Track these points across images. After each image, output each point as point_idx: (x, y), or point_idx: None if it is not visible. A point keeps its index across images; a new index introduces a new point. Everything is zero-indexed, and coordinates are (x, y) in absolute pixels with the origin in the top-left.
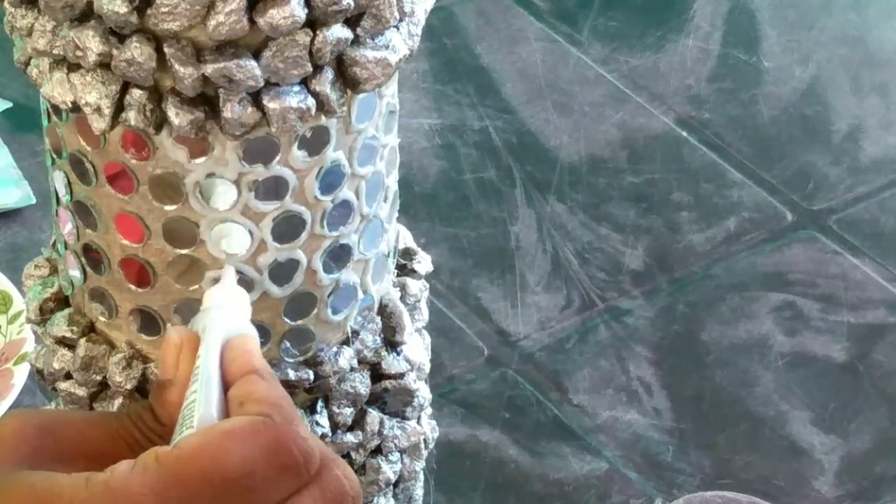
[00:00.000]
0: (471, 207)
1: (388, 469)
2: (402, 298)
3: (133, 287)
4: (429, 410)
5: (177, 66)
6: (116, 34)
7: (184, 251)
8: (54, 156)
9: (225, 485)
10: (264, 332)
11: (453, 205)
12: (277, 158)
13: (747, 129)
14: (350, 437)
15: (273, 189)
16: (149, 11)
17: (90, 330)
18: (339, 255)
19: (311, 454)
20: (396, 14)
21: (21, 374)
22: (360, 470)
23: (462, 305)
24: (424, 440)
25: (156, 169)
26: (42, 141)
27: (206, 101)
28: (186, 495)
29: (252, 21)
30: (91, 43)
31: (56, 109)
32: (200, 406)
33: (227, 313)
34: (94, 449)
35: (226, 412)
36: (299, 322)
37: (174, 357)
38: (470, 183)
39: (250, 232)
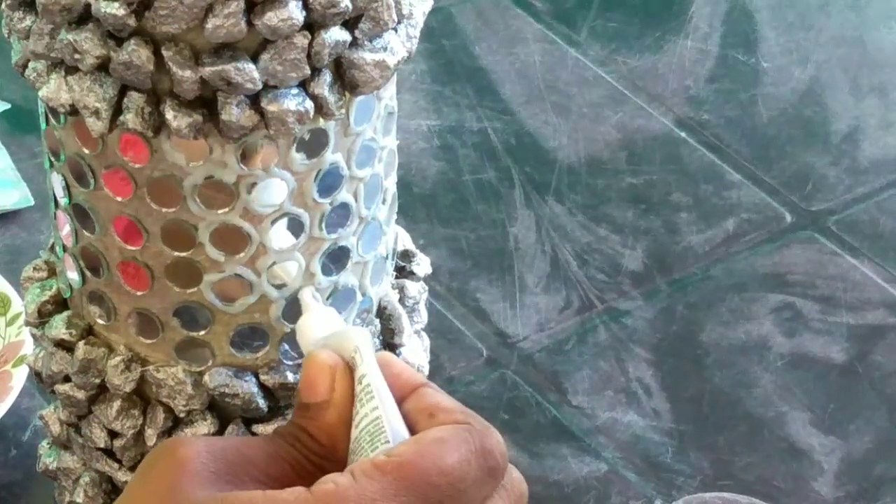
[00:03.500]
0: (469, 209)
1: None
2: (401, 300)
3: (131, 290)
4: None
5: (175, 69)
6: (114, 37)
7: (182, 254)
8: (52, 158)
9: (445, 487)
10: (263, 335)
11: (452, 206)
12: (276, 161)
13: (746, 129)
14: None
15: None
16: (147, 14)
17: (89, 332)
18: (337, 258)
19: (506, 457)
20: (395, 16)
21: (20, 376)
22: None
23: (461, 307)
24: None
25: (154, 171)
26: (41, 142)
27: (204, 103)
28: (414, 497)
29: (250, 24)
30: (89, 46)
31: (54, 112)
32: (388, 422)
33: (368, 333)
34: (259, 471)
35: (408, 425)
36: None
37: (328, 379)
38: (469, 184)
39: (249, 234)
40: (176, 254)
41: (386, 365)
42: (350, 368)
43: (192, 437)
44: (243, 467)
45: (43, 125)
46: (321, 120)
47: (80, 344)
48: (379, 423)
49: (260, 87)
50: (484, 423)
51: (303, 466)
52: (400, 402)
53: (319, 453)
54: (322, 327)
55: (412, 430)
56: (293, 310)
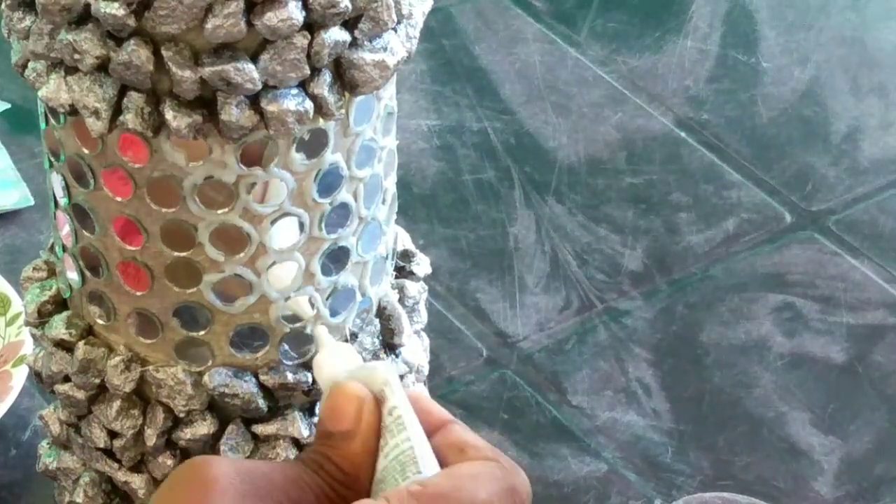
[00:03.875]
0: (469, 208)
1: None
2: (401, 300)
3: (131, 290)
4: None
5: (174, 69)
6: (114, 37)
7: (182, 254)
8: (52, 159)
9: None
10: (262, 335)
11: (452, 206)
12: (276, 161)
13: (746, 129)
14: None
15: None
16: (146, 14)
17: (88, 333)
18: (337, 258)
19: (531, 497)
20: (394, 16)
21: (19, 376)
22: None
23: (461, 307)
24: None
25: (154, 171)
26: (40, 142)
27: (204, 103)
28: None
29: (250, 24)
30: (88, 46)
31: (54, 112)
32: (420, 453)
33: (395, 367)
34: (282, 495)
35: (437, 459)
36: (298, 325)
37: (355, 410)
38: (468, 184)
39: (248, 234)
40: (176, 254)
41: (416, 401)
42: (377, 401)
43: (220, 458)
44: (268, 490)
45: (43, 125)
46: (321, 120)
47: (80, 344)
48: (411, 453)
49: (260, 87)
50: (511, 462)
51: (325, 494)
52: (428, 436)
53: (343, 482)
54: (341, 362)
55: (442, 464)
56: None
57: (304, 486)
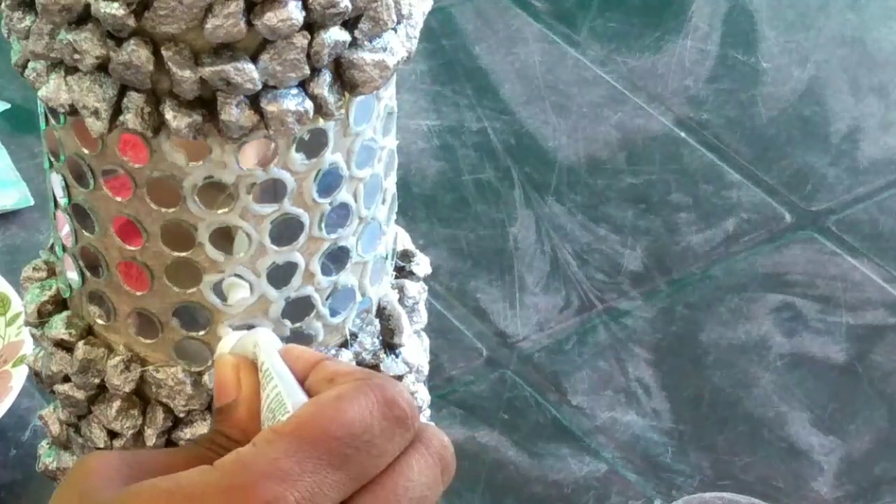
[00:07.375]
0: (469, 209)
1: None
2: (401, 300)
3: (131, 290)
4: (428, 412)
5: (174, 69)
6: (114, 37)
7: (182, 254)
8: (52, 159)
9: (348, 441)
10: None
11: (452, 206)
12: (276, 161)
13: (746, 129)
14: None
15: (271, 192)
16: (146, 14)
17: (88, 332)
18: (337, 258)
19: (415, 407)
20: (394, 16)
21: (19, 376)
22: None
23: (461, 307)
24: None
25: (154, 172)
26: (40, 142)
27: (204, 103)
28: (317, 454)
29: (250, 24)
30: (88, 46)
31: (54, 112)
32: (287, 395)
33: (269, 330)
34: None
35: (311, 396)
36: (297, 324)
37: (234, 378)
38: (468, 184)
39: (248, 236)
40: (176, 254)
41: (287, 351)
42: (255, 365)
43: (107, 451)
44: (160, 472)
45: (43, 125)
46: (321, 120)
47: (80, 344)
48: (279, 398)
49: (259, 87)
50: (385, 376)
51: None
52: (303, 379)
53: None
54: (226, 345)
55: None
56: (293, 310)
57: (199, 464)
